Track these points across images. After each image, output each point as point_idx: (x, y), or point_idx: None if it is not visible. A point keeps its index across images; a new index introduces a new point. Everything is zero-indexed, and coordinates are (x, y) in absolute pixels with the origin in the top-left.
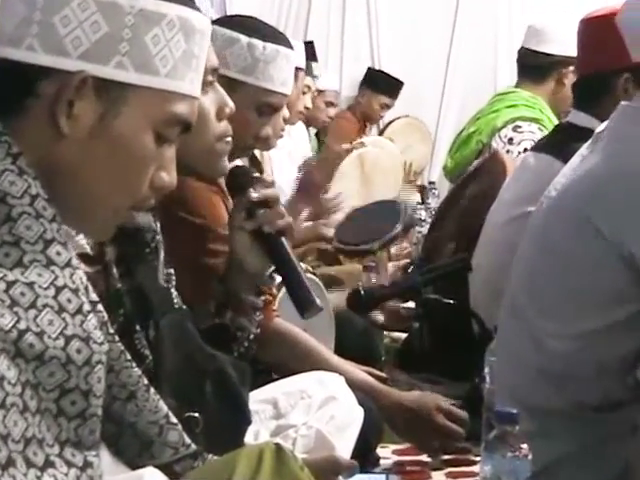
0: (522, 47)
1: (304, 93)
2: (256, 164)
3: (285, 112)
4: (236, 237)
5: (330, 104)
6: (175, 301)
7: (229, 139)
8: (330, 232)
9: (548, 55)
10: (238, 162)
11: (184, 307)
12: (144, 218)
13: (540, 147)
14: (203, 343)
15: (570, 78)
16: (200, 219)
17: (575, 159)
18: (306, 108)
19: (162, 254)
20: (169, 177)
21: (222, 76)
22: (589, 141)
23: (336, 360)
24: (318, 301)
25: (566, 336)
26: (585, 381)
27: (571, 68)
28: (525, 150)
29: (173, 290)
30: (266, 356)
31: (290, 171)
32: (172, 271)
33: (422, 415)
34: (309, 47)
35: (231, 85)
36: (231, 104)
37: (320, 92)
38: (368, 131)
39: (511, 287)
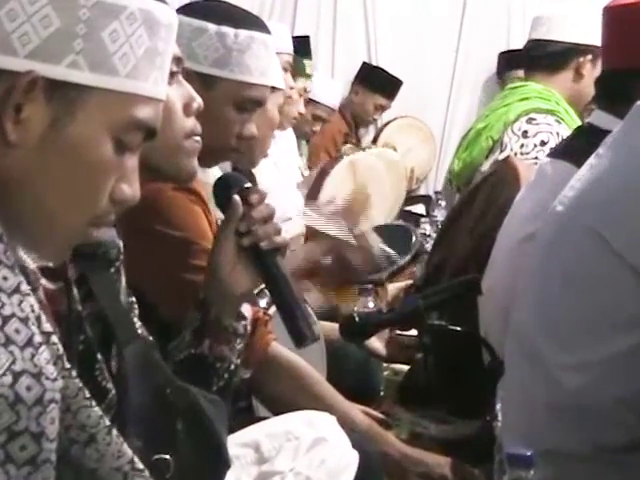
0: (529, 40)
1: (300, 95)
2: (247, 173)
3: (274, 112)
4: (222, 253)
5: (318, 119)
6: (139, 331)
7: (198, 138)
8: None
9: (561, 42)
10: (216, 170)
11: (149, 337)
12: (107, 233)
13: (558, 153)
14: (173, 375)
15: (589, 69)
16: (180, 232)
17: (583, 169)
18: (300, 114)
19: (124, 279)
20: (131, 189)
21: (193, 73)
22: (599, 147)
23: (338, 397)
24: (317, 328)
25: (580, 367)
26: (604, 418)
27: (589, 57)
28: (542, 143)
29: (136, 319)
30: (262, 387)
31: (278, 184)
32: (134, 299)
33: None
34: (303, 42)
35: (204, 82)
36: (199, 99)
37: (311, 101)
38: (363, 134)
39: (517, 315)
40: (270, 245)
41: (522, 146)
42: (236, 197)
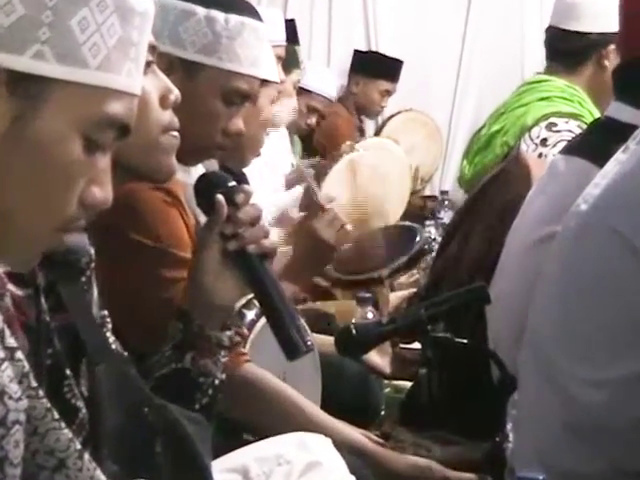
0: (550, 26)
1: (294, 88)
2: (239, 173)
3: (267, 107)
4: (205, 259)
5: (314, 111)
6: (113, 346)
7: (176, 133)
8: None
9: (581, 34)
10: (199, 170)
11: (124, 353)
12: (78, 238)
13: (573, 149)
14: (151, 393)
15: (612, 59)
16: (153, 240)
17: (609, 165)
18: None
19: (95, 290)
20: (103, 192)
21: (177, 59)
22: (628, 141)
23: (323, 417)
24: (310, 340)
25: (600, 383)
26: (624, 439)
27: (612, 47)
28: None
29: (109, 334)
30: (233, 412)
31: (269, 184)
32: (106, 313)
33: None
34: (289, 26)
35: (189, 70)
36: (176, 91)
37: (304, 91)
38: (366, 128)
39: (532, 325)
40: (258, 249)
41: (540, 155)
42: (220, 197)
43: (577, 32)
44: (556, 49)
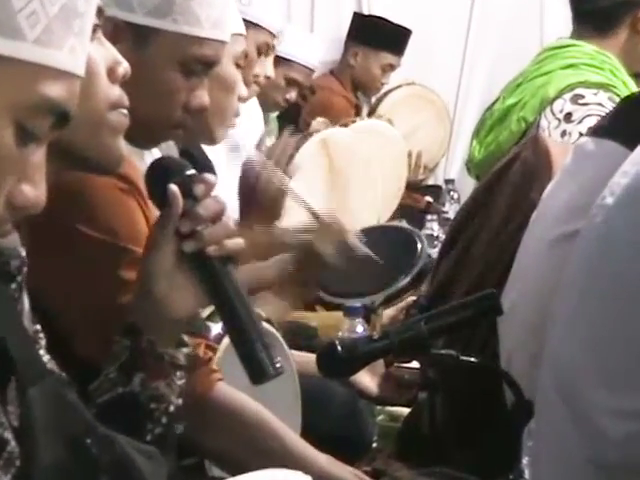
0: None
1: (265, 54)
2: (202, 158)
3: (242, 88)
4: (157, 262)
5: (294, 83)
6: (48, 365)
7: (125, 111)
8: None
9: None
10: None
11: (62, 374)
12: (8, 238)
13: (603, 130)
14: (95, 421)
15: None
16: (106, 234)
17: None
18: (266, 78)
19: (27, 300)
20: (35, 191)
21: (124, 24)
22: None
23: (304, 450)
24: (279, 361)
25: (632, 414)
26: None
27: None
28: None
29: (42, 351)
30: (204, 441)
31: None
32: (39, 327)
33: None
34: None
35: (139, 36)
36: (125, 63)
37: (282, 60)
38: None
39: (551, 341)
40: (220, 251)
41: (564, 133)
42: (173, 187)
43: None
44: (582, 9)
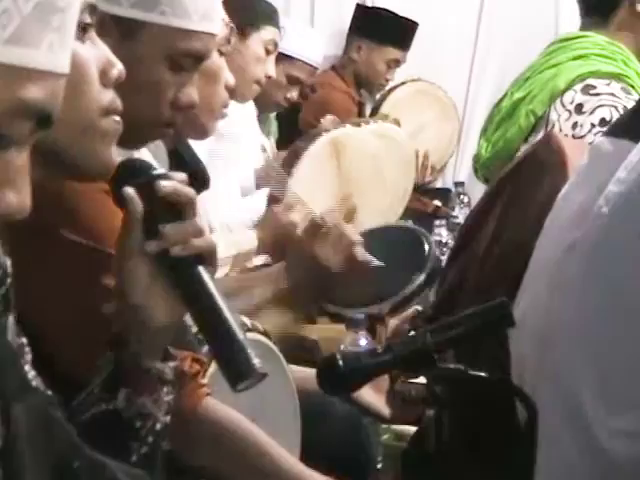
0: None
1: (267, 52)
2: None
3: (228, 75)
4: (131, 271)
5: (295, 81)
6: (33, 383)
7: (118, 118)
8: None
9: None
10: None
11: (48, 391)
12: None
13: (619, 129)
14: (82, 443)
15: None
16: (90, 239)
17: (634, 154)
18: (267, 77)
19: (12, 312)
20: (18, 197)
21: (109, 18)
22: None
23: (302, 472)
24: (257, 363)
25: (634, 433)
26: None
27: None
28: (603, 122)
29: (28, 367)
30: (190, 458)
31: (227, 180)
32: (25, 341)
33: None
34: None
35: (125, 30)
36: (120, 65)
37: (283, 57)
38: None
39: (552, 355)
40: (187, 251)
41: (575, 125)
42: (128, 190)
43: None
44: (588, 0)
